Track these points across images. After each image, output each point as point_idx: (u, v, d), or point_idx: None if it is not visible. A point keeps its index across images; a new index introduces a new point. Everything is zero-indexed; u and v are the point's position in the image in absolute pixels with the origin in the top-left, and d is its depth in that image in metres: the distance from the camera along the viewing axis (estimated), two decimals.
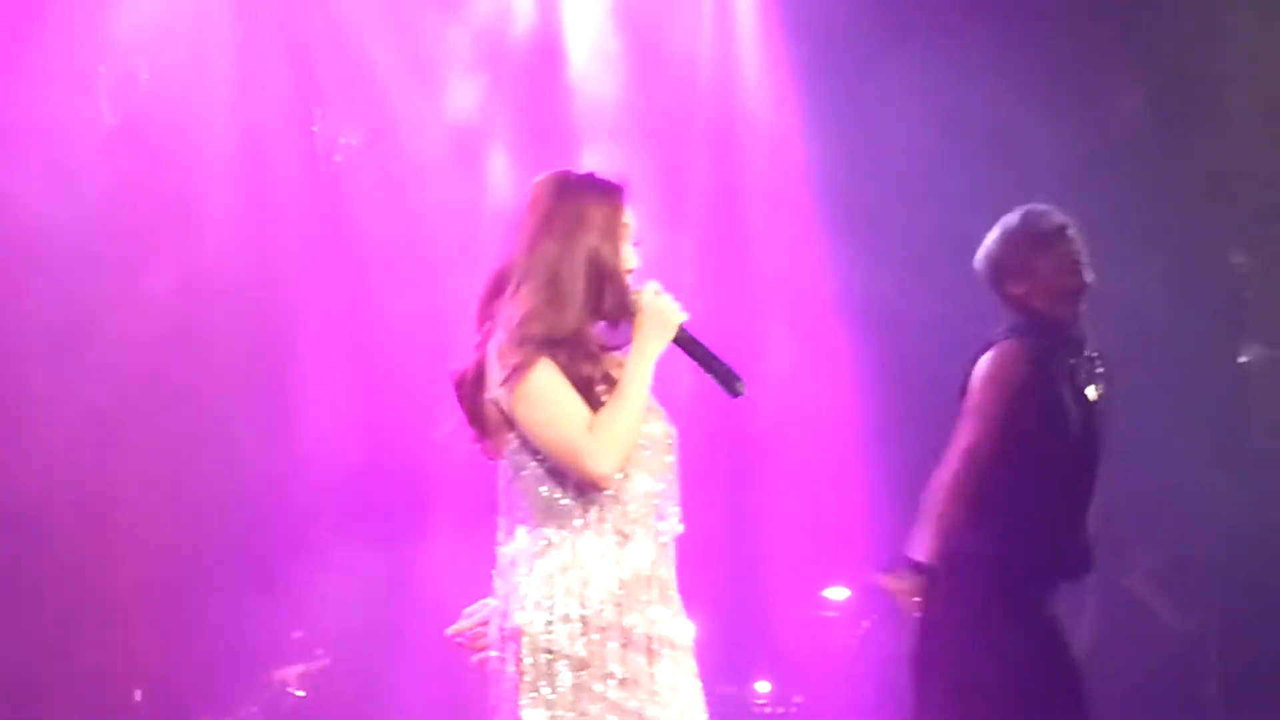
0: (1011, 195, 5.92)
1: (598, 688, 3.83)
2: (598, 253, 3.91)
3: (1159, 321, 7.63)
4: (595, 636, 3.84)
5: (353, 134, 8.22)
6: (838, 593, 8.17)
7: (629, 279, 3.96)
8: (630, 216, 3.99)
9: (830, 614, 8.14)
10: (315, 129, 8.15)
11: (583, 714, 3.81)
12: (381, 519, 7.83)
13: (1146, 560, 7.97)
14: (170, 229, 7.70)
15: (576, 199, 3.94)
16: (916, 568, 5.47)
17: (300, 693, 7.52)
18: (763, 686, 8.05)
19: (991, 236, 5.70)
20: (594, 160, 7.20)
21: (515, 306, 3.86)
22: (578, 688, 3.82)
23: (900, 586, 5.53)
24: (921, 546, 5.46)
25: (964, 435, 5.50)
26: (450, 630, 4.08)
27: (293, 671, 7.53)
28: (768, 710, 7.98)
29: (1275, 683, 7.51)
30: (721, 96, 8.60)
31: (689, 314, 3.96)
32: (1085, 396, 5.57)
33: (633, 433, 3.85)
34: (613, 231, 3.94)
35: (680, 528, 3.98)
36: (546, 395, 3.82)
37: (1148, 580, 7.95)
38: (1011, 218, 5.69)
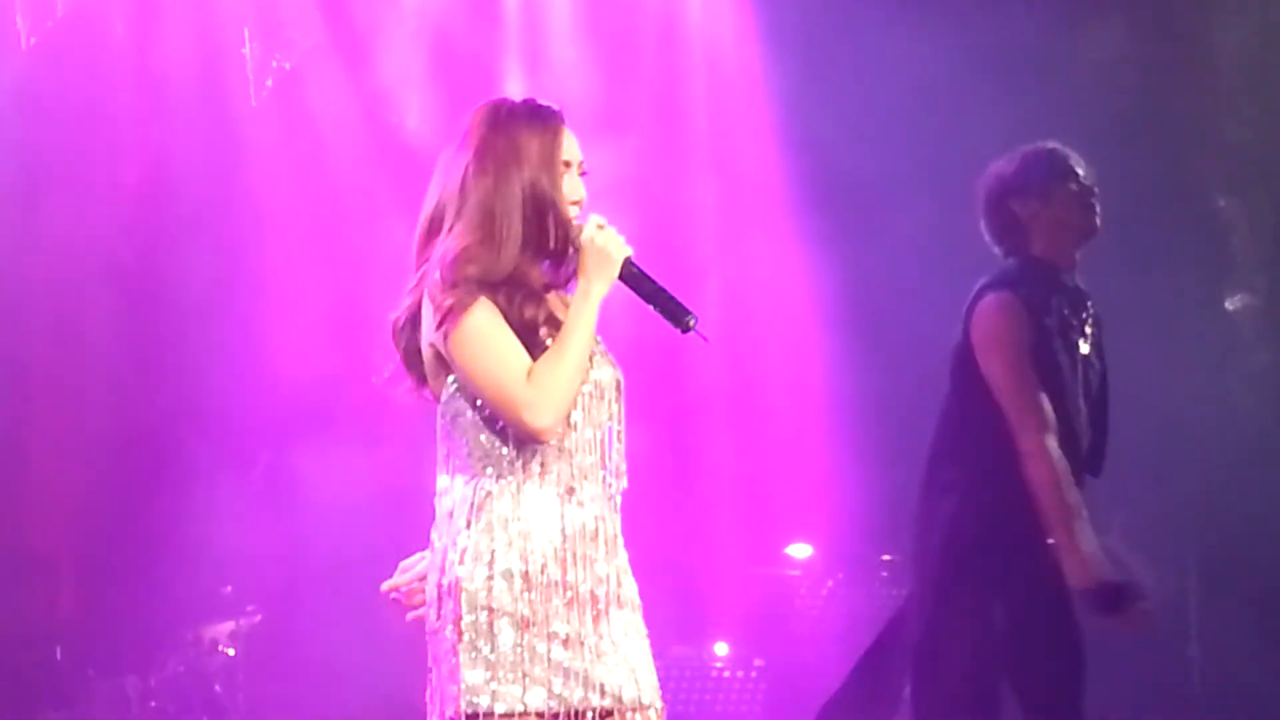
0: (988, 144, 5.78)
1: (541, 647, 3.66)
2: (534, 185, 3.73)
3: (1139, 269, 7.45)
4: (538, 594, 3.67)
5: (287, 58, 8.03)
6: (800, 550, 8.07)
7: (573, 211, 3.78)
8: (572, 146, 3.81)
9: (793, 573, 8.04)
10: (245, 52, 7.95)
11: (525, 674, 3.65)
12: (318, 469, 7.69)
13: (1123, 517, 7.92)
14: (81, 156, 7.54)
15: (510, 129, 3.76)
16: (1111, 595, 5.20)
17: (230, 651, 7.44)
18: (720, 649, 7.93)
19: (1005, 157, 5.49)
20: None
21: (448, 246, 3.70)
22: (520, 647, 3.65)
23: (1130, 619, 5.26)
24: (1075, 570, 5.21)
25: (1014, 418, 5.25)
26: (386, 586, 3.92)
27: (223, 629, 7.46)
28: (726, 674, 7.84)
29: (1256, 643, 7.45)
30: (707, 62, 8.58)
31: (633, 248, 3.77)
32: (1076, 349, 5.40)
33: (575, 383, 3.68)
34: (550, 161, 3.75)
35: (624, 482, 3.81)
36: (482, 340, 3.64)
37: (1123, 538, 7.92)
38: (1035, 146, 5.49)
